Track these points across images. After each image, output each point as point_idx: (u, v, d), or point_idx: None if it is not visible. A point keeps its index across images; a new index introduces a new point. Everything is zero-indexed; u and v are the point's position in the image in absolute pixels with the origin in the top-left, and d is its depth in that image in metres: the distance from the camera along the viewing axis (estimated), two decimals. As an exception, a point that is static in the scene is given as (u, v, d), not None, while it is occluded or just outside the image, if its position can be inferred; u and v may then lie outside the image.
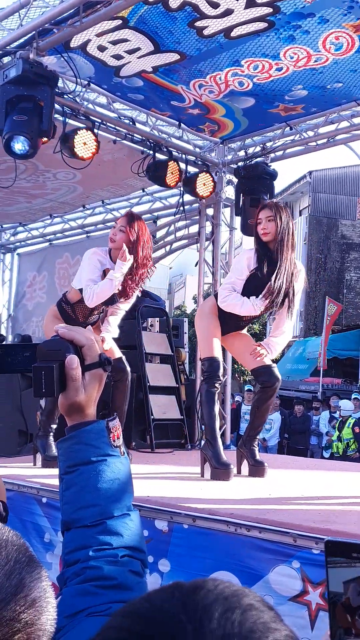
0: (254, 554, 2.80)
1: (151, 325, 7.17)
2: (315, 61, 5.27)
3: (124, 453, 1.25)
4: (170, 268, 36.32)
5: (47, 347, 1.21)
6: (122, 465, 1.23)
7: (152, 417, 6.22)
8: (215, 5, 4.63)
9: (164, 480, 4.03)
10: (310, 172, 27.06)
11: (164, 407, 6.43)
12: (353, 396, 12.44)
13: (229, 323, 4.68)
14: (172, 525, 3.10)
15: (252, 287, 4.48)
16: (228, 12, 4.70)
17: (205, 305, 4.81)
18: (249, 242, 6.36)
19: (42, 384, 1.18)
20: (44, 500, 3.55)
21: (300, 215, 28.00)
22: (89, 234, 9.61)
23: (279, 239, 4.42)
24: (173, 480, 4.02)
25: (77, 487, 1.19)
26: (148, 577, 3.15)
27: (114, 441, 1.22)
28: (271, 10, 4.64)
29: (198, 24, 4.86)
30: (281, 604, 2.60)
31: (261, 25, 4.83)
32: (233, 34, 4.96)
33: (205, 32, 4.96)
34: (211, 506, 3.10)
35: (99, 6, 4.59)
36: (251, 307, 4.43)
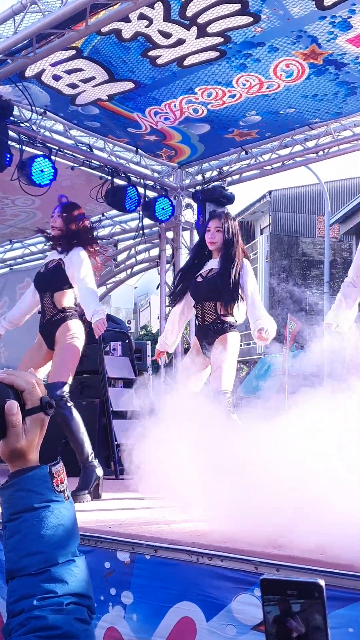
0: (216, 583, 2.78)
1: (114, 349, 7.15)
2: (268, 88, 5.39)
3: (68, 497, 1.23)
4: (135, 288, 36.34)
5: None
6: (66, 510, 1.21)
7: (116, 442, 6.18)
8: (167, 35, 4.72)
9: (126, 510, 4.00)
10: (270, 192, 27.49)
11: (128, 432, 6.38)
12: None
13: None
14: (134, 557, 3.06)
15: (202, 291, 4.61)
16: (180, 42, 4.79)
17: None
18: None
19: None
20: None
21: (261, 234, 28.38)
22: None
23: (228, 245, 4.62)
24: (136, 510, 3.98)
25: (20, 535, 1.17)
26: (111, 610, 3.10)
27: (58, 486, 1.21)
28: (222, 39, 4.74)
29: (151, 53, 4.94)
30: (244, 633, 2.59)
31: (213, 54, 4.93)
32: (186, 62, 5.05)
33: (159, 61, 5.04)
34: (173, 536, 3.08)
35: (52, 37, 4.63)
36: None
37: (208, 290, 4.64)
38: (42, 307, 4.73)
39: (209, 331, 4.59)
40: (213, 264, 4.75)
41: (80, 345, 4.60)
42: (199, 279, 4.71)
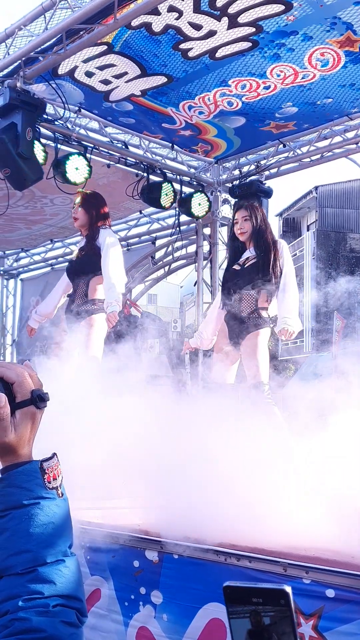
0: (245, 584, 2.71)
1: (151, 347, 7.12)
2: (303, 78, 5.26)
3: (62, 494, 1.20)
4: (181, 287, 36.35)
5: None
6: (58, 507, 1.17)
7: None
8: (197, 27, 4.64)
9: (155, 508, 3.95)
10: (316, 187, 27.07)
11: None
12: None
13: None
14: (162, 556, 3.02)
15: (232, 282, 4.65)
16: (211, 34, 4.71)
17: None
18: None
19: None
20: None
21: (307, 230, 27.97)
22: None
23: (259, 233, 4.70)
24: (165, 508, 3.93)
25: (8, 533, 1.14)
26: (142, 609, 3.06)
27: (49, 482, 1.17)
28: (254, 29, 4.64)
29: (182, 46, 4.88)
30: (272, 637, 2.51)
31: (245, 45, 4.83)
32: (218, 54, 4.96)
33: (190, 53, 4.97)
34: (201, 535, 3.02)
35: (82, 32, 4.61)
36: None
37: (245, 279, 4.63)
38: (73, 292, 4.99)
39: (244, 323, 4.55)
40: (249, 252, 4.76)
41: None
42: (237, 268, 4.72)
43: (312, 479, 3.08)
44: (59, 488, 1.19)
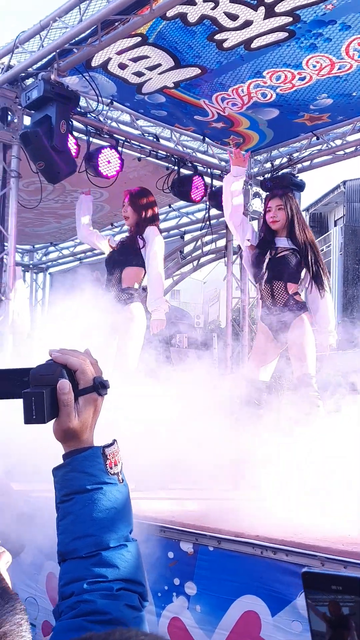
0: (281, 577, 2.69)
1: (179, 341, 7.11)
2: (339, 69, 5.19)
3: (122, 480, 1.22)
4: (204, 283, 36.29)
5: (40, 371, 1.18)
6: (120, 493, 1.20)
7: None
8: (233, 18, 4.60)
9: (188, 500, 3.94)
10: (344, 182, 26.75)
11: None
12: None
13: None
14: (198, 547, 3.01)
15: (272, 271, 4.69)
16: (247, 24, 4.66)
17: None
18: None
19: (33, 410, 1.14)
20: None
21: (335, 225, 27.68)
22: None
23: (293, 223, 4.73)
24: (197, 500, 3.92)
25: (72, 517, 1.17)
26: (175, 600, 3.05)
27: (111, 468, 1.19)
28: (291, 19, 4.58)
29: (217, 37, 4.84)
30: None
31: (281, 35, 4.77)
32: (253, 45, 4.91)
33: (225, 44, 4.93)
34: (237, 527, 3.00)
35: (117, 24, 4.60)
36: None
37: (279, 270, 4.62)
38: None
39: (283, 312, 4.54)
40: (281, 242, 4.73)
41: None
42: (268, 257, 4.71)
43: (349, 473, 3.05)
44: (119, 474, 1.22)
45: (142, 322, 4.95)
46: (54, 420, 1.18)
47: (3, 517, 2.40)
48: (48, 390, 1.15)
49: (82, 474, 1.17)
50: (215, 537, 2.95)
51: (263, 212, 5.01)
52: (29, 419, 1.15)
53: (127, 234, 5.40)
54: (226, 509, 3.44)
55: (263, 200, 7.17)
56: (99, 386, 1.21)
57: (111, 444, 1.22)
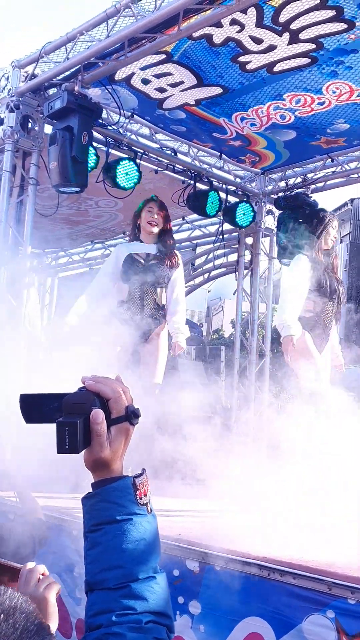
0: (288, 600, 2.72)
1: (187, 353, 7.16)
2: (358, 96, 5.26)
3: (150, 510, 1.21)
4: (209, 291, 36.29)
5: (73, 399, 1.17)
6: (149, 524, 1.19)
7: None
8: (258, 41, 4.67)
9: (195, 517, 3.97)
10: (351, 200, 26.81)
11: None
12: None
13: None
14: (204, 566, 3.03)
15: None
16: (271, 48, 4.73)
17: None
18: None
19: (66, 440, 1.13)
20: (75, 533, 3.53)
21: (341, 242, 27.71)
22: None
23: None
24: (205, 518, 3.95)
25: (101, 547, 1.15)
26: (179, 619, 3.08)
27: (141, 499, 1.18)
28: (314, 46, 4.65)
29: (241, 59, 4.91)
30: (314, 656, 2.52)
31: (304, 60, 4.85)
32: (276, 68, 4.99)
33: (248, 66, 5.00)
34: (245, 548, 3.03)
35: (143, 41, 4.67)
36: None
37: None
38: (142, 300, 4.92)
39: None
40: None
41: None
42: None
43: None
44: (148, 504, 1.20)
45: (165, 352, 5.03)
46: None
47: (22, 523, 2.43)
48: (82, 419, 1.14)
49: (113, 504, 1.16)
50: (222, 557, 2.97)
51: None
52: (62, 449, 1.13)
53: (141, 241, 5.16)
54: (233, 527, 3.47)
55: (275, 218, 7.24)
56: (132, 415, 1.19)
57: (141, 474, 1.21)
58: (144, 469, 1.25)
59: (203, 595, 3.00)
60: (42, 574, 1.56)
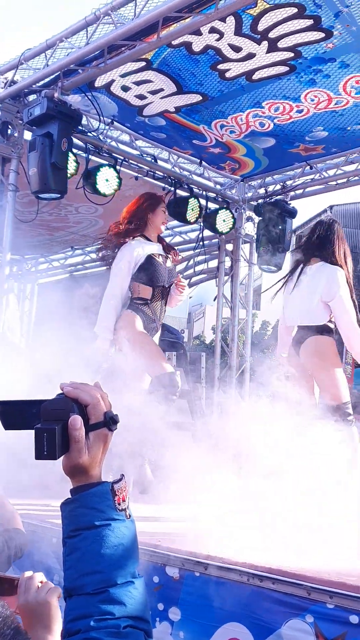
0: (267, 605, 2.72)
1: (168, 359, 7.15)
2: (336, 104, 5.32)
3: (129, 516, 1.21)
4: (190, 297, 36.35)
5: (51, 406, 1.18)
6: (127, 529, 1.20)
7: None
8: (237, 50, 4.71)
9: (176, 523, 3.97)
10: (331, 207, 27.05)
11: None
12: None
13: None
14: (184, 573, 3.03)
15: None
16: (250, 56, 4.78)
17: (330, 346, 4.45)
18: (269, 278, 6.40)
19: (44, 446, 1.14)
20: (54, 540, 3.51)
21: (320, 248, 27.88)
22: (109, 267, 9.65)
23: None
24: (185, 523, 3.94)
25: (80, 552, 1.16)
26: (158, 626, 3.07)
27: (119, 504, 1.19)
28: (292, 54, 4.71)
29: (220, 66, 4.95)
30: (294, 660, 2.52)
31: (282, 68, 4.89)
32: (255, 76, 5.03)
33: (228, 74, 5.04)
34: (224, 554, 3.03)
35: (123, 49, 4.69)
36: None
37: None
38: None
39: None
40: None
41: None
42: None
43: (346, 505, 3.10)
44: (127, 510, 1.21)
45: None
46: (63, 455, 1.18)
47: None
48: (60, 425, 1.14)
49: (91, 510, 1.16)
50: (202, 563, 2.97)
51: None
52: (39, 455, 1.14)
53: (154, 242, 5.16)
54: (213, 533, 3.47)
55: (255, 225, 7.29)
56: (110, 421, 1.21)
57: (119, 480, 1.22)
58: (123, 475, 1.25)
59: (183, 602, 3.00)
60: (41, 582, 1.57)
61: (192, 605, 2.96)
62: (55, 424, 1.15)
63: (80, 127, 5.70)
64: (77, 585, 1.15)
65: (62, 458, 1.18)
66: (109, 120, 5.96)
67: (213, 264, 7.88)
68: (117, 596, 1.13)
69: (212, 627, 2.86)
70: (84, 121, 5.80)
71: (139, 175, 6.59)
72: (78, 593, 1.14)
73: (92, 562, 1.15)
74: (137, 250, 4.94)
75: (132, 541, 1.20)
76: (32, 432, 1.15)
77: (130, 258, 4.93)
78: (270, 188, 7.22)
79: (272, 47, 4.64)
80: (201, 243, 7.43)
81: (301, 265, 4.54)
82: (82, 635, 1.10)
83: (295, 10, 4.24)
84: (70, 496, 1.21)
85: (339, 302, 4.25)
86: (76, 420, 1.16)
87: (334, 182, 6.77)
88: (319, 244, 4.48)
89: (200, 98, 5.42)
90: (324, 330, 4.36)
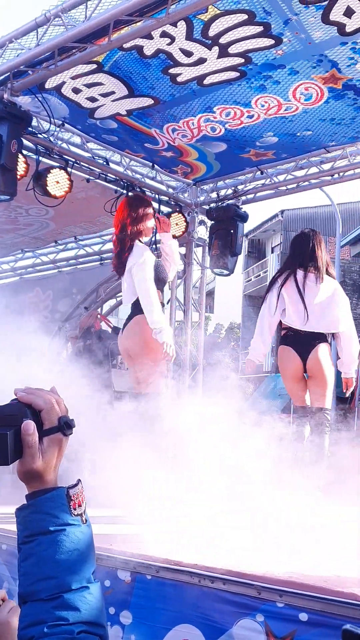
0: (218, 606, 2.74)
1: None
2: (286, 110, 5.41)
3: (85, 520, 1.21)
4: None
5: (4, 411, 1.17)
6: (83, 534, 1.19)
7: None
8: (188, 54, 4.74)
9: (128, 525, 3.95)
10: (282, 211, 27.54)
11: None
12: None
13: None
14: (135, 576, 3.02)
15: None
16: (201, 61, 4.81)
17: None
18: (222, 281, 6.44)
19: None
20: (4, 547, 3.45)
21: (272, 252, 28.38)
22: (60, 269, 9.59)
23: None
24: (137, 525, 3.93)
25: (34, 558, 1.15)
26: (109, 630, 3.05)
27: (75, 509, 1.19)
28: (243, 60, 4.76)
29: (172, 70, 4.97)
30: (245, 660, 2.55)
31: (233, 74, 4.95)
32: (206, 81, 5.07)
33: (179, 78, 5.06)
34: (176, 556, 3.04)
35: (74, 51, 4.66)
36: None
37: None
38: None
39: None
40: None
41: None
42: None
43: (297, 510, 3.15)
44: (83, 514, 1.21)
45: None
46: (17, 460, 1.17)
47: None
48: (12, 431, 1.14)
49: (46, 515, 1.16)
50: (153, 566, 2.97)
51: None
52: None
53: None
54: (162, 535, 3.48)
55: (208, 229, 7.34)
56: (64, 426, 1.20)
57: (75, 485, 1.21)
58: (79, 479, 1.25)
59: (134, 605, 2.99)
60: (2, 599, 1.54)
61: (144, 608, 2.96)
62: (8, 429, 1.14)
63: (30, 129, 5.64)
64: (32, 591, 1.14)
65: (16, 464, 1.18)
66: (60, 122, 5.91)
67: (165, 267, 7.89)
68: (72, 602, 1.13)
69: (163, 630, 2.86)
70: (34, 123, 5.74)
71: (91, 177, 6.56)
72: (32, 599, 1.14)
73: (47, 567, 1.14)
74: (152, 256, 5.11)
75: (87, 546, 1.20)
76: None
77: (152, 265, 5.04)
78: (222, 192, 7.28)
79: (223, 53, 4.69)
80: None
81: (297, 272, 4.96)
82: None
83: (245, 16, 4.30)
84: (25, 502, 1.20)
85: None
86: (29, 425, 1.16)
87: (284, 187, 6.88)
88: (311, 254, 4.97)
89: (152, 102, 5.43)
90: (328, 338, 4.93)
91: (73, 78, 5.16)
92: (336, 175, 6.51)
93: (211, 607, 2.74)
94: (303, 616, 2.45)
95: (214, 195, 7.34)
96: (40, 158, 5.97)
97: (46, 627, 1.09)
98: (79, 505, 1.20)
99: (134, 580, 3.01)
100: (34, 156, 5.91)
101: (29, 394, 1.20)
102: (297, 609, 2.47)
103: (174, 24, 4.39)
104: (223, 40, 4.55)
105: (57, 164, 6.01)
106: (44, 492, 1.18)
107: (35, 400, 1.19)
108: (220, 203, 7.16)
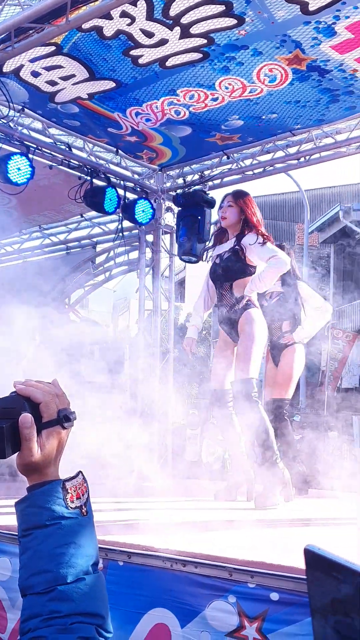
0: (190, 589, 2.73)
1: (91, 353, 7.05)
2: (250, 92, 5.36)
3: (86, 512, 1.20)
4: (114, 291, 36.15)
5: (3, 404, 1.18)
6: (80, 527, 1.19)
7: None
8: (149, 35, 4.66)
9: (100, 512, 3.91)
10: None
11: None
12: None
13: None
14: (107, 562, 3.00)
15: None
16: (163, 42, 4.74)
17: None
18: (192, 268, 6.41)
19: None
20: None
21: (241, 240, 28.34)
22: (25, 259, 9.45)
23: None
24: (108, 512, 3.91)
25: (30, 552, 1.17)
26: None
27: (72, 502, 1.19)
28: (205, 41, 4.70)
29: (133, 52, 4.88)
30: (218, 641, 2.54)
31: (196, 55, 4.88)
32: (168, 63, 5.00)
33: (141, 60, 4.98)
34: (147, 541, 3.02)
35: (31, 32, 4.55)
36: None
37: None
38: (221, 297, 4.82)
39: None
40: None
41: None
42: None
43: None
44: (83, 507, 1.20)
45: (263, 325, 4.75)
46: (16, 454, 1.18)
47: None
48: (9, 424, 1.15)
49: (41, 509, 1.17)
50: (125, 552, 2.95)
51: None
52: None
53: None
54: (133, 521, 3.45)
55: (175, 215, 7.28)
56: (63, 419, 1.20)
57: (74, 477, 1.22)
58: (80, 471, 1.24)
59: (107, 591, 2.96)
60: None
61: (117, 593, 2.94)
62: (5, 422, 1.15)
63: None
64: (29, 584, 1.16)
65: (16, 457, 1.18)
66: (20, 107, 5.79)
67: (134, 255, 7.82)
68: (66, 594, 1.13)
69: (137, 615, 2.85)
70: (-6, 108, 5.63)
71: (53, 164, 6.45)
72: (30, 592, 1.16)
73: (42, 561, 1.15)
74: None
75: (85, 538, 1.19)
76: None
77: None
78: (189, 178, 7.23)
79: (185, 34, 4.62)
80: (121, 234, 7.36)
81: None
82: (30, 634, 1.11)
83: (206, -5, 4.23)
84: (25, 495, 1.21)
85: None
86: (26, 418, 1.17)
87: (251, 172, 6.85)
88: None
89: (114, 85, 5.35)
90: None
91: (31, 61, 5.04)
92: (302, 159, 6.50)
93: (184, 590, 2.74)
94: (274, 596, 2.46)
95: (180, 181, 7.28)
96: (1, 144, 5.84)
97: (41, 619, 1.11)
98: (78, 498, 1.20)
99: (106, 567, 2.99)
100: (-6, 143, 5.79)
101: (27, 386, 1.21)
102: (268, 589, 2.49)
103: (134, 4, 4.30)
104: (184, 20, 4.48)
105: (18, 151, 5.89)
106: (40, 485, 1.19)
107: (34, 393, 1.20)
108: (186, 189, 7.10)
